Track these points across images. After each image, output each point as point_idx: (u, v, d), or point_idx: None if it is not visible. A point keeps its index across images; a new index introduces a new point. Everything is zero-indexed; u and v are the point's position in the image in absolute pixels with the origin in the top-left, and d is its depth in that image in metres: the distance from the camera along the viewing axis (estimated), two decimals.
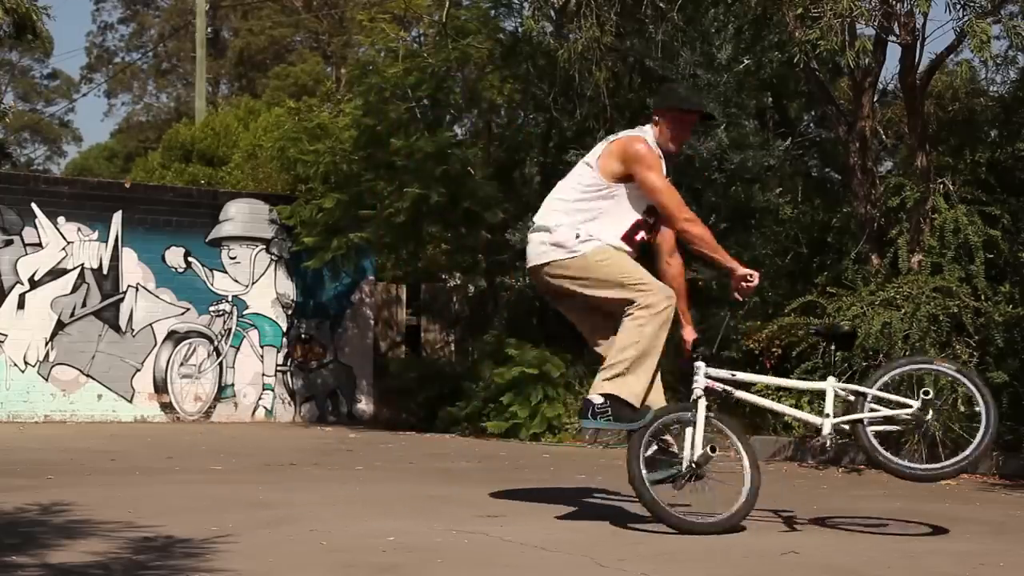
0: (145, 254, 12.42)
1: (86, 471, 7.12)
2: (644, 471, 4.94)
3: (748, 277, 5.30)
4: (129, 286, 12.31)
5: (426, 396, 11.78)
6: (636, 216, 5.37)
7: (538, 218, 5.54)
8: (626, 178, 5.32)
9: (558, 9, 11.43)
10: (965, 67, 8.71)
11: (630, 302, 5.18)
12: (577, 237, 5.31)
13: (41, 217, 11.96)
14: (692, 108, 5.57)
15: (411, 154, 11.42)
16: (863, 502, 6.31)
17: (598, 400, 5.15)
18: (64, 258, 12.05)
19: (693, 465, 5.02)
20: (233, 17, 37.38)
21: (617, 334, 5.23)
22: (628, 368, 5.12)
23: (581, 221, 5.34)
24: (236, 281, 12.84)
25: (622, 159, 5.33)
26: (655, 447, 5.19)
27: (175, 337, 12.48)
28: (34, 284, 11.90)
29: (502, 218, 11.80)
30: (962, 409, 7.60)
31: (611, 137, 5.56)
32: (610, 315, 5.34)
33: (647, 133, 5.43)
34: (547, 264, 5.40)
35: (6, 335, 11.74)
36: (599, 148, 5.49)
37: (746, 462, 5.06)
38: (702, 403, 5.10)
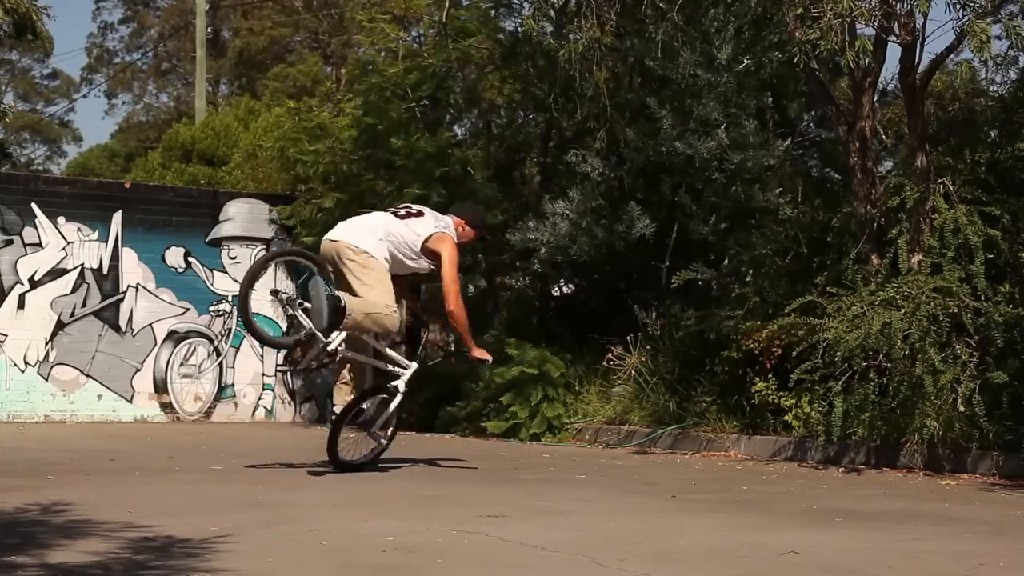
0: (145, 254, 12.41)
1: (86, 471, 7.12)
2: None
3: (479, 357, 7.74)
4: (129, 286, 12.31)
5: (426, 396, 11.76)
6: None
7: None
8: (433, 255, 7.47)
9: (558, 9, 11.41)
10: (965, 67, 8.68)
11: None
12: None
13: (41, 217, 11.96)
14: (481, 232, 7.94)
15: (411, 154, 11.42)
16: (863, 502, 6.31)
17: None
18: (64, 258, 12.04)
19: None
20: (233, 17, 37.40)
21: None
22: None
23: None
24: (236, 281, 12.80)
25: (442, 248, 7.43)
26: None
27: (175, 337, 12.47)
28: (34, 284, 11.90)
29: (502, 218, 11.80)
30: (962, 409, 7.61)
31: (436, 226, 7.48)
32: None
33: (452, 230, 7.55)
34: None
35: (6, 335, 11.74)
36: (429, 227, 7.44)
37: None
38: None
